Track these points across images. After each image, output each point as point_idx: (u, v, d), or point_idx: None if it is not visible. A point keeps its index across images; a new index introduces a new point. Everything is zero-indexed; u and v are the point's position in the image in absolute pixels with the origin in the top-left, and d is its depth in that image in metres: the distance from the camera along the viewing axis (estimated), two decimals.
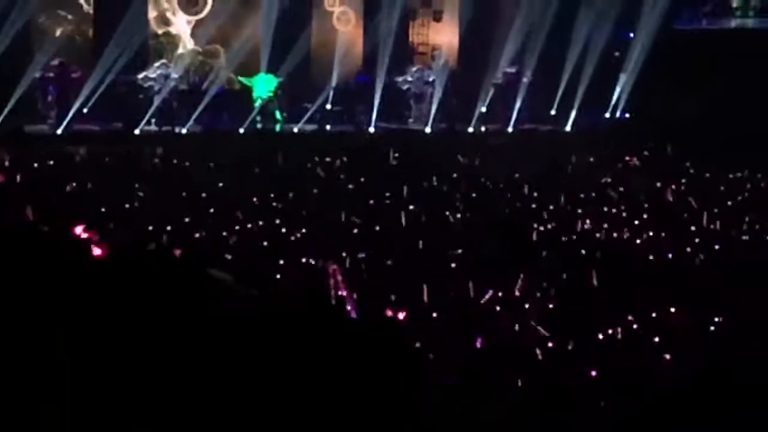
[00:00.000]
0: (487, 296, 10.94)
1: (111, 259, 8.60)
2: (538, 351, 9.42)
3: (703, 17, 26.44)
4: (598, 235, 14.56)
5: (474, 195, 17.50)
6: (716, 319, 10.35)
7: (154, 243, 10.99)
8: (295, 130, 24.60)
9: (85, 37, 24.66)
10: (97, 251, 9.87)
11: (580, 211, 16.13)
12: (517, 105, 25.82)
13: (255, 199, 16.19)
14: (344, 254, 12.51)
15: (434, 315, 10.24)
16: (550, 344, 9.60)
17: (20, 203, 12.46)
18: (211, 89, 24.23)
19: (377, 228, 14.40)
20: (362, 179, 18.38)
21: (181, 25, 25.52)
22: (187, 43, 25.56)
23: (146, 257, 8.39)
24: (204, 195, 16.44)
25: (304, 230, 13.97)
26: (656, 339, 9.85)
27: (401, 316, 9.46)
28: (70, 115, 23.00)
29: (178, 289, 7.08)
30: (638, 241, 14.33)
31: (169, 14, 25.43)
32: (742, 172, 20.15)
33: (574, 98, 25.62)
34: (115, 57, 23.20)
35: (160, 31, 25.31)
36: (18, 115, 22.38)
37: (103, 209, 14.72)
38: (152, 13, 25.07)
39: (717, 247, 13.86)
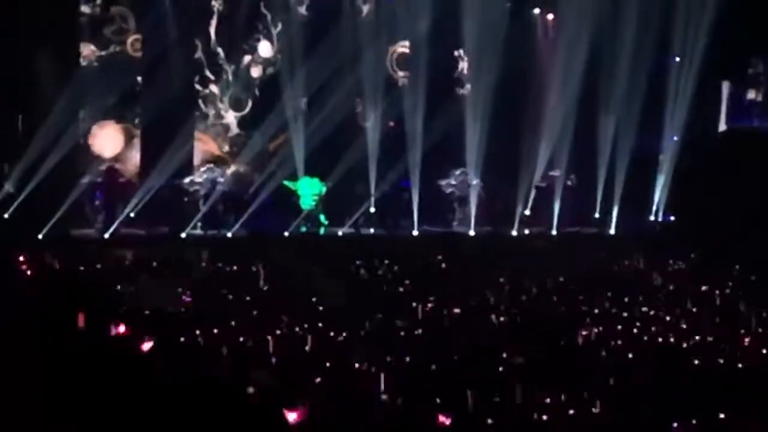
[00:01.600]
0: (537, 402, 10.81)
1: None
2: None
3: (752, 116, 26.45)
4: (645, 338, 14.40)
5: (522, 298, 17.40)
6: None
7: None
8: (339, 234, 24.69)
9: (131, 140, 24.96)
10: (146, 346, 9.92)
11: (626, 314, 15.99)
12: (560, 207, 25.84)
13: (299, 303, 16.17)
14: (388, 358, 12.44)
15: (481, 421, 10.11)
16: None
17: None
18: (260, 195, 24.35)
19: (422, 332, 14.32)
20: (407, 282, 18.34)
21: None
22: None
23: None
24: (248, 298, 16.45)
25: (346, 334, 13.91)
26: None
27: (448, 421, 9.36)
28: (118, 219, 23.22)
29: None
30: (685, 345, 14.16)
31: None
32: None
33: (618, 200, 25.61)
34: (163, 163, 23.51)
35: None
36: (66, 221, 22.65)
37: (147, 312, 14.75)
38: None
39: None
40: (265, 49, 25.75)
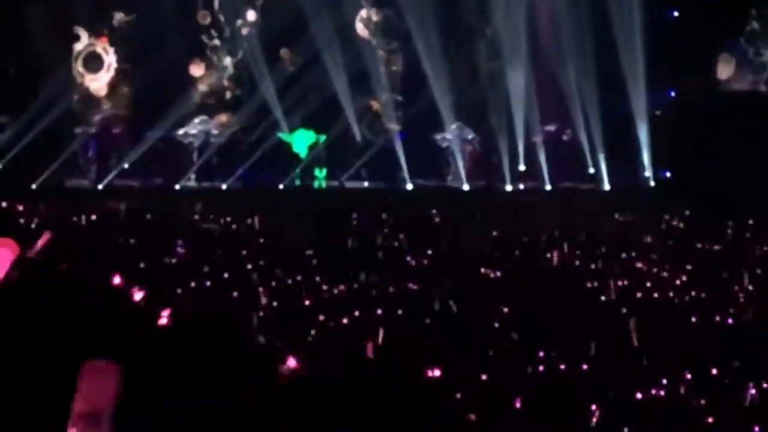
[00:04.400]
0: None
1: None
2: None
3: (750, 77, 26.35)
4: (639, 294, 14.41)
5: (515, 253, 17.41)
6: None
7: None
8: (334, 186, 24.65)
9: (126, 92, 24.62)
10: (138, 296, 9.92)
11: (619, 270, 16.00)
12: (555, 163, 25.75)
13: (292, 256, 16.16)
14: (380, 311, 12.46)
15: (473, 374, 10.12)
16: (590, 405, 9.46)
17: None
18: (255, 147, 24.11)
19: (414, 286, 14.33)
20: (402, 236, 18.33)
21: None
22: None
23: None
24: (244, 252, 16.44)
25: (342, 287, 13.91)
26: (702, 401, 9.70)
27: (437, 373, 9.38)
28: (111, 170, 23.13)
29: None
30: (678, 301, 14.18)
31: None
32: None
33: (613, 156, 25.53)
34: (156, 112, 23.32)
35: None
36: (59, 171, 22.57)
37: (142, 264, 14.74)
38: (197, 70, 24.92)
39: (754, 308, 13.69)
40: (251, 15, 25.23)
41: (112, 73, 24.08)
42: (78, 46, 23.82)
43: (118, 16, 23.88)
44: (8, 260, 7.10)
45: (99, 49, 23.82)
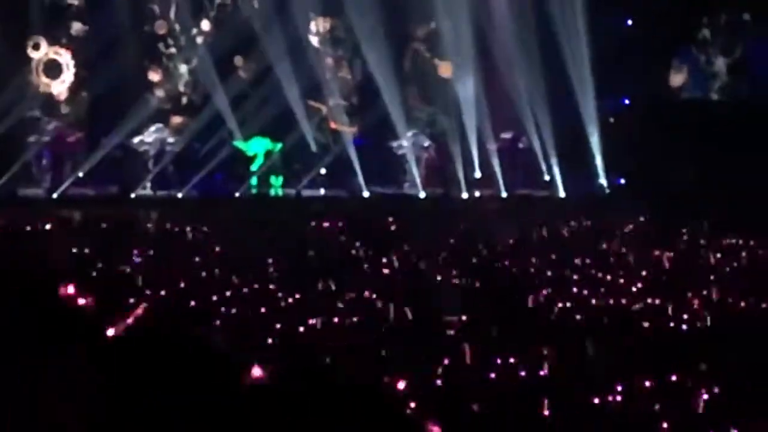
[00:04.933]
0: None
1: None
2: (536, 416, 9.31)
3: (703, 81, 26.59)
4: (594, 301, 14.47)
5: (472, 261, 17.44)
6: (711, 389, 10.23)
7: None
8: (290, 194, 24.65)
9: (80, 99, 24.51)
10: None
11: (576, 277, 16.06)
12: (511, 170, 25.86)
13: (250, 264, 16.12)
14: (336, 320, 12.44)
15: (433, 382, 10.13)
16: (545, 412, 9.48)
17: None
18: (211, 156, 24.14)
19: (373, 295, 14.31)
20: (358, 244, 18.33)
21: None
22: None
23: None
24: (197, 259, 16.37)
25: (298, 296, 13.87)
26: (655, 407, 9.74)
27: (401, 384, 9.37)
28: (66, 179, 23.03)
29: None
30: (635, 308, 14.24)
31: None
32: (737, 239, 20.12)
33: (569, 164, 25.67)
34: (112, 120, 23.25)
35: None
36: (12, 180, 22.47)
37: (94, 273, 14.65)
38: (154, 75, 24.88)
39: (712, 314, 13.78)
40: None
41: (71, 78, 23.92)
42: (37, 55, 23.65)
43: (76, 26, 23.80)
44: None
45: (58, 57, 23.72)
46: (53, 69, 23.87)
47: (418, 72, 26.43)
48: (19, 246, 17.08)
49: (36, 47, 23.70)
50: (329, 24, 25.67)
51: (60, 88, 23.89)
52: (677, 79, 26.57)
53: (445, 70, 25.98)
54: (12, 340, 7.00)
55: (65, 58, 23.83)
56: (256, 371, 8.01)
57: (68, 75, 23.90)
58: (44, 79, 23.81)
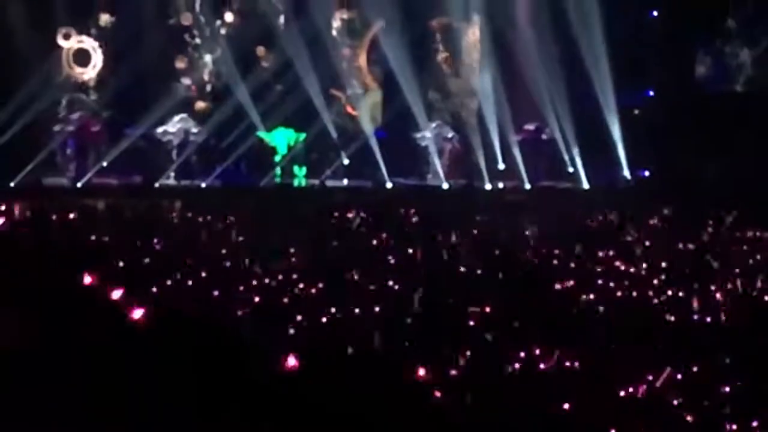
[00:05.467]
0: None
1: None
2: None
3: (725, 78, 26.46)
4: (619, 293, 14.43)
5: (496, 252, 17.41)
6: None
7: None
8: (313, 185, 24.68)
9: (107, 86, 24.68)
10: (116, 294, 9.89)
11: (599, 269, 16.02)
12: (534, 162, 25.82)
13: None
14: (358, 311, 12.44)
15: (453, 372, 10.12)
16: (566, 405, 9.47)
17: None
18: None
19: (396, 285, 14.30)
20: (383, 235, 18.31)
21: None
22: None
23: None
24: (223, 251, 16.39)
25: (321, 285, 13.88)
26: (675, 401, 9.71)
27: (422, 373, 9.36)
28: (90, 168, 23.12)
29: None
30: (657, 301, 14.20)
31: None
32: (762, 231, 20.01)
33: (593, 155, 25.60)
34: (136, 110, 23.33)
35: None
36: (37, 169, 22.56)
37: (120, 263, 14.67)
38: (179, 64, 25.08)
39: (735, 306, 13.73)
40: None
41: (99, 67, 24.26)
42: (67, 44, 23.89)
43: (104, 18, 24.04)
44: None
45: (87, 46, 23.99)
46: (82, 57, 24.18)
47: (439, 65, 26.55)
48: (44, 234, 17.13)
49: (66, 37, 24.08)
50: (348, 16, 25.84)
51: (89, 75, 24.17)
52: (701, 70, 26.46)
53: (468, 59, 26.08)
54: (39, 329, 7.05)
55: (94, 47, 24.13)
56: (291, 360, 8.00)
57: (96, 63, 24.23)
58: (74, 67, 24.16)
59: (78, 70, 24.32)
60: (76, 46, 24.21)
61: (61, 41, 24.12)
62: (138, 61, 23.11)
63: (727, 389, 10.05)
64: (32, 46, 22.87)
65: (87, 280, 10.73)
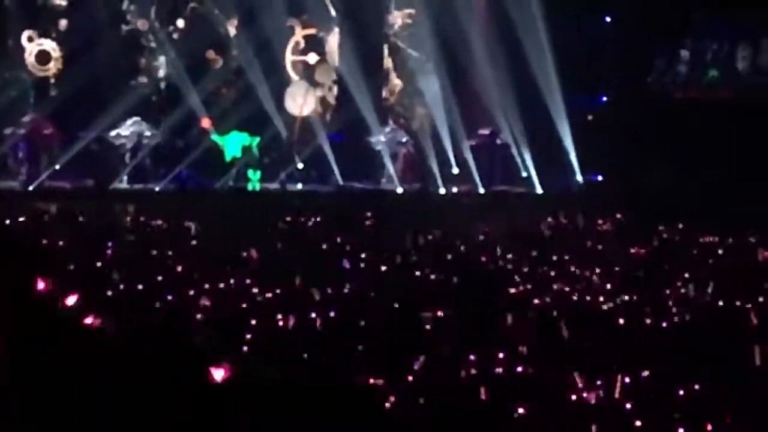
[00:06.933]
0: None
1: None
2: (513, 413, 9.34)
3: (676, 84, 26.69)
4: (575, 297, 14.51)
5: (448, 257, 17.45)
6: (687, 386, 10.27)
7: None
8: (268, 188, 24.65)
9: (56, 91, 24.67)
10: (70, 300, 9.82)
11: (553, 273, 16.10)
12: (490, 166, 25.91)
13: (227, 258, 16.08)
14: (314, 315, 12.42)
15: (410, 379, 10.13)
16: (521, 410, 9.51)
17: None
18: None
19: (349, 289, 14.31)
20: (337, 239, 18.31)
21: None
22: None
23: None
24: (171, 253, 16.32)
25: (277, 290, 13.85)
26: (628, 405, 9.77)
27: (379, 382, 9.36)
28: (42, 172, 22.99)
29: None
30: (610, 305, 14.28)
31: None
32: (713, 237, 20.20)
33: (546, 160, 25.73)
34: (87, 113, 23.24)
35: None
36: None
37: (72, 267, 14.57)
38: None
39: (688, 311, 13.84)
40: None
41: (59, 65, 24.75)
42: (30, 45, 24.58)
43: (63, 23, 24.90)
44: None
45: (47, 47, 24.55)
46: (44, 56, 24.68)
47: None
48: None
49: (30, 39, 24.55)
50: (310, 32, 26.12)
51: (49, 72, 24.64)
52: (656, 75, 26.67)
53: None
54: None
55: (54, 48, 24.86)
56: (222, 371, 7.95)
57: (56, 61, 24.78)
58: (36, 65, 24.70)
59: (40, 68, 24.77)
60: (38, 48, 24.76)
61: (25, 43, 24.87)
62: (94, 63, 23.15)
63: (681, 393, 10.13)
64: None
65: (40, 285, 10.64)
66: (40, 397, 6.14)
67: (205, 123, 25.03)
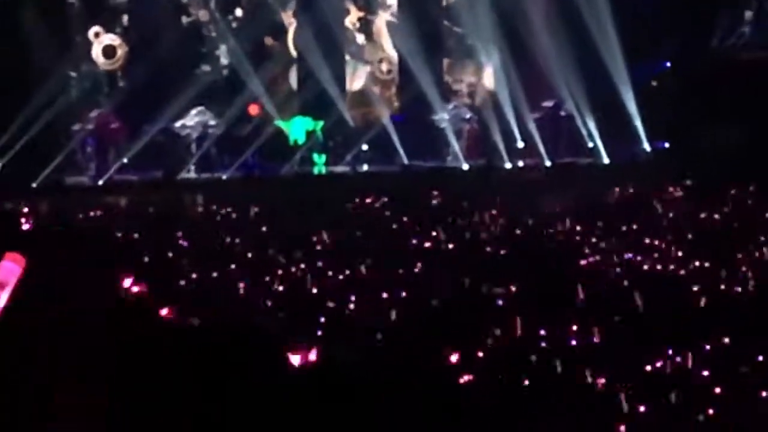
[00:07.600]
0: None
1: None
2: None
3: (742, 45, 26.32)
4: (646, 267, 14.42)
5: (517, 232, 17.42)
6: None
7: None
8: (334, 172, 24.72)
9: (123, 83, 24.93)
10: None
11: (623, 243, 16.01)
12: (555, 139, 25.79)
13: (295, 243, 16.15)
14: (385, 294, 12.47)
15: (481, 354, 10.14)
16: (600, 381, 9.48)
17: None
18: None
19: (419, 268, 14.33)
20: (404, 218, 18.34)
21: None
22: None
23: None
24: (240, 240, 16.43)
25: (348, 272, 13.92)
26: (705, 372, 9.71)
27: (453, 357, 9.39)
28: (111, 166, 23.22)
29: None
30: (683, 272, 14.18)
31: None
32: None
33: (611, 130, 25.54)
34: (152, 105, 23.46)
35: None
36: (58, 168, 22.66)
37: (146, 258, 14.73)
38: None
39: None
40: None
41: (124, 59, 24.98)
42: (97, 40, 24.88)
43: (125, 17, 25.14)
44: (16, 275, 7.18)
45: (114, 42, 24.87)
46: (110, 51, 24.94)
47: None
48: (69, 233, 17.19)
49: (97, 35, 24.84)
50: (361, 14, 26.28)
51: (116, 65, 24.94)
52: (718, 38, 26.35)
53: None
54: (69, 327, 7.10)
55: (119, 43, 25.11)
56: (299, 356, 8.00)
57: (121, 56, 25.03)
58: (104, 60, 24.92)
59: (107, 62, 25.09)
60: (105, 42, 25.09)
61: (92, 38, 25.10)
62: (157, 55, 23.35)
63: (760, 359, 10.04)
64: (48, 49, 23.12)
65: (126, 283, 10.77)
66: (141, 394, 6.23)
67: (253, 110, 25.16)
